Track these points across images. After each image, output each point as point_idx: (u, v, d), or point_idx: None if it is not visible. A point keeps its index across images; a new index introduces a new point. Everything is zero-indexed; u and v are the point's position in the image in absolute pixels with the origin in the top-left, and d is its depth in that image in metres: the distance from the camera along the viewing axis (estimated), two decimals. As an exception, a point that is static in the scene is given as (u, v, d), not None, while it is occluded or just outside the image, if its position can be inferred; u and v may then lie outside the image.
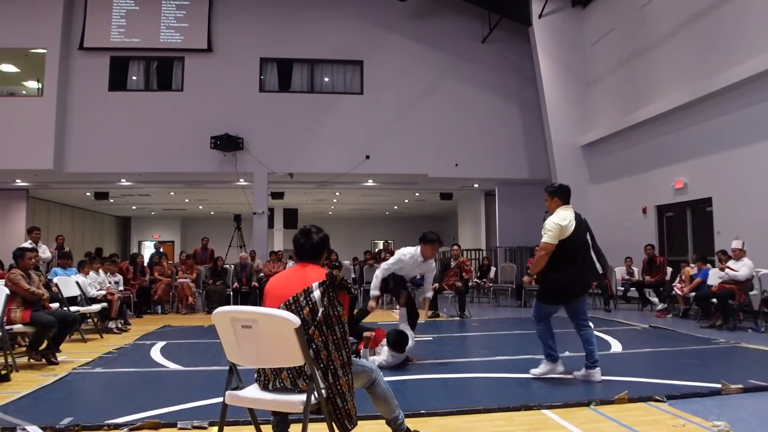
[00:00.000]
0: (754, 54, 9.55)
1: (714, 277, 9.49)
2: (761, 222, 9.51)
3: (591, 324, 5.45)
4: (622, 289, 12.07)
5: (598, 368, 5.20)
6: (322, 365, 2.87)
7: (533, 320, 5.52)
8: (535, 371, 5.38)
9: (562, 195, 5.54)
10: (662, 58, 12.27)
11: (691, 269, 10.33)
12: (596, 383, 5.10)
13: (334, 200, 23.58)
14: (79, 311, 8.09)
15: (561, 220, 5.25)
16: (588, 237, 5.42)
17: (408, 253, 6.31)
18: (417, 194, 21.21)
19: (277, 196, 18.07)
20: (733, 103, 10.24)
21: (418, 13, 15.93)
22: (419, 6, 15.87)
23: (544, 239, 5.20)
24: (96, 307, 8.70)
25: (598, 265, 5.53)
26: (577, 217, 5.39)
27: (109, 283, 9.99)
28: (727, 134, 10.43)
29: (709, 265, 10.10)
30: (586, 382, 5.17)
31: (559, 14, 15.16)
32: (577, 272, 5.24)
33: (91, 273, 9.54)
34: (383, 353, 5.95)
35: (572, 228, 5.24)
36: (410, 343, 6.08)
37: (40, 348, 6.38)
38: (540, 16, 14.86)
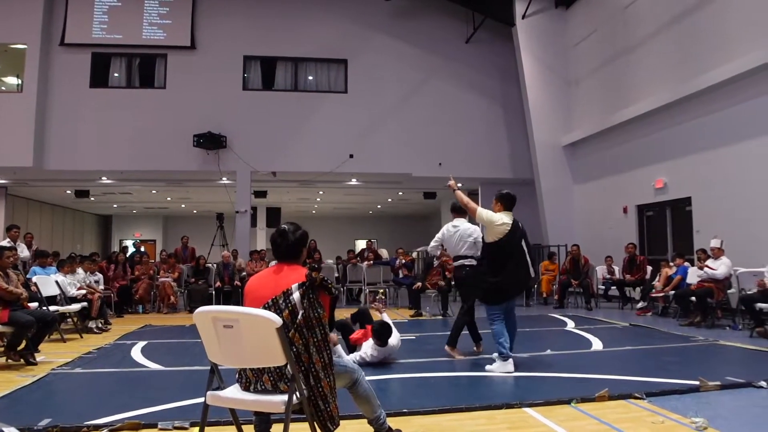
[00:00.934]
0: (733, 57, 9.68)
1: (693, 275, 9.62)
2: (739, 221, 9.65)
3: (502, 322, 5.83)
4: (603, 287, 12.18)
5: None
6: (303, 368, 2.85)
7: (489, 321, 5.84)
8: (489, 367, 5.69)
9: (505, 201, 5.90)
10: (643, 60, 12.39)
11: (670, 270, 10.45)
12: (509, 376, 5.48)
13: (318, 199, 23.53)
14: (58, 311, 8.00)
15: (495, 218, 5.72)
16: (523, 243, 5.77)
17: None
18: (400, 193, 21.23)
19: (260, 194, 18.00)
20: (713, 104, 10.37)
21: (402, 12, 15.94)
22: (403, 5, 15.89)
23: (479, 209, 5.82)
24: (75, 306, 8.61)
25: (532, 270, 5.83)
26: (515, 223, 5.77)
27: (89, 282, 9.87)
28: (707, 135, 10.57)
29: (687, 263, 10.24)
30: (566, 381, 5.23)
31: (542, 15, 15.26)
32: (512, 274, 5.71)
33: (71, 273, 9.43)
34: (366, 347, 5.97)
35: (507, 230, 5.67)
36: (395, 341, 6.09)
37: (19, 348, 6.28)
38: (523, 17, 14.95)
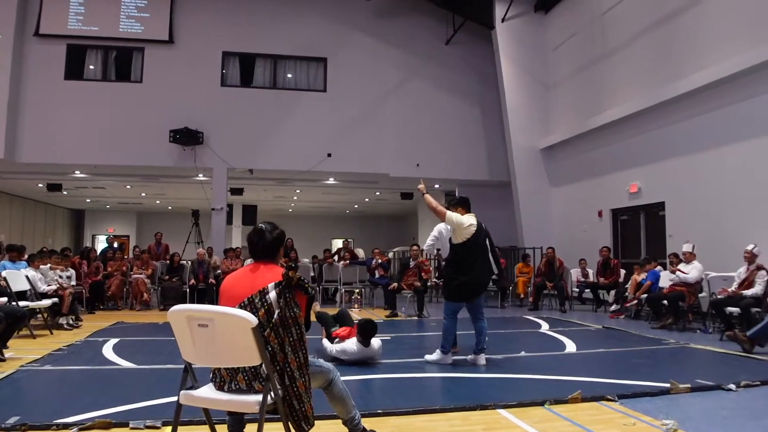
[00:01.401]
0: (706, 64, 9.86)
1: (665, 279, 9.78)
2: (711, 226, 9.82)
3: (485, 318, 6.24)
4: (577, 290, 12.31)
5: (482, 354, 6.07)
6: (278, 367, 2.83)
7: (443, 317, 6.19)
8: (428, 357, 6.15)
9: (464, 204, 6.29)
10: (620, 65, 12.55)
11: (638, 276, 10.62)
12: (482, 366, 5.94)
13: (295, 198, 23.43)
14: (28, 306, 7.85)
15: (462, 220, 6.00)
16: (487, 242, 6.14)
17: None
18: (378, 193, 21.24)
19: (237, 192, 17.87)
20: (687, 111, 10.54)
21: (383, 12, 15.94)
22: (384, 5, 15.89)
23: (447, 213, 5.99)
24: (46, 302, 8.45)
25: (494, 267, 6.22)
26: (479, 224, 6.10)
27: (61, 277, 9.70)
28: (681, 141, 10.74)
29: (659, 267, 10.40)
30: (540, 383, 5.27)
31: (521, 19, 15.37)
32: (476, 274, 6.02)
33: (42, 267, 9.26)
34: (349, 343, 6.01)
35: (473, 231, 5.99)
36: (377, 346, 6.10)
37: (-13, 344, 6.16)
38: (503, 20, 15.04)
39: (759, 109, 9.01)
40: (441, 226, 6.84)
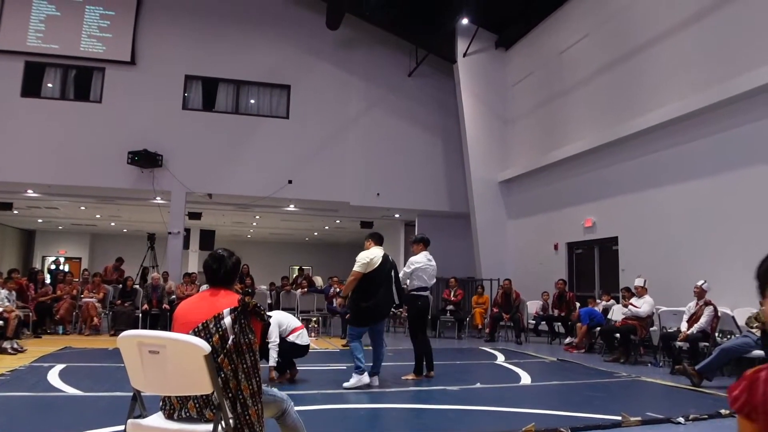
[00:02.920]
0: (660, 104, 10.24)
1: (618, 312, 9.98)
2: (662, 261, 10.09)
3: (385, 343, 6.83)
4: (534, 322, 12.43)
5: (376, 377, 6.53)
6: (230, 394, 2.78)
7: (349, 339, 6.73)
8: (346, 384, 6.31)
9: (375, 239, 6.92)
10: (576, 103, 12.93)
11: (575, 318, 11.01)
12: (375, 387, 6.34)
13: (254, 223, 23.22)
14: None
15: (370, 255, 6.63)
16: (393, 273, 6.72)
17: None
18: (338, 221, 21.21)
19: (195, 216, 17.61)
20: (640, 148, 10.89)
21: (347, 42, 16.12)
22: (349, 36, 16.06)
23: (355, 268, 6.54)
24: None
25: (396, 296, 6.74)
26: (385, 256, 6.71)
27: (8, 300, 9.36)
28: (633, 178, 11.07)
29: (611, 300, 10.65)
30: (495, 415, 5.30)
31: (482, 54, 15.74)
32: (379, 301, 6.54)
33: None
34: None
35: (378, 263, 6.57)
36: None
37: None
38: (464, 55, 15.38)
39: (710, 148, 9.37)
40: (419, 259, 7.34)
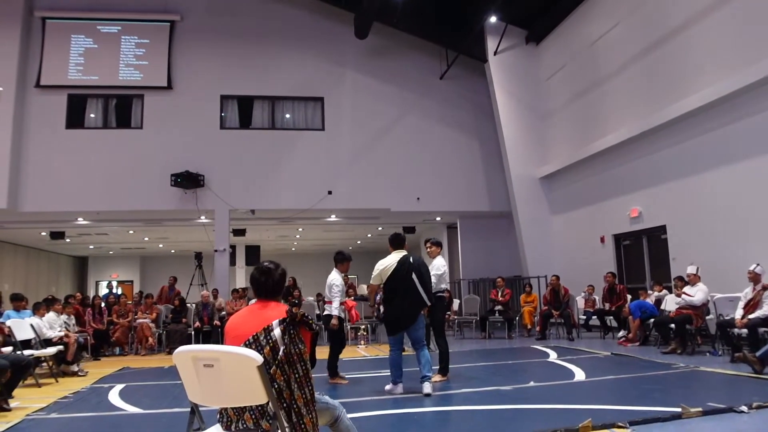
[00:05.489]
0: (698, 88, 9.98)
1: (671, 302, 9.72)
2: (714, 247, 9.82)
3: (426, 346, 6.54)
4: (584, 317, 12.22)
5: (426, 383, 6.22)
6: (285, 405, 2.82)
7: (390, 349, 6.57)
8: (387, 387, 6.41)
9: (392, 243, 6.76)
10: (613, 92, 12.70)
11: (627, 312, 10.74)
12: (426, 395, 6.12)
13: (297, 236, 23.45)
14: (33, 355, 7.82)
15: (380, 265, 6.50)
16: (414, 276, 6.39)
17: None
18: (380, 228, 21.26)
19: (239, 233, 17.92)
20: (680, 134, 10.64)
21: (376, 50, 16.20)
22: (378, 44, 16.14)
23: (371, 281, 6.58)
24: (51, 350, 8.42)
25: (425, 299, 6.45)
26: (402, 260, 6.45)
27: (67, 325, 9.67)
28: (677, 164, 10.81)
29: (664, 291, 10.38)
30: (550, 412, 5.24)
31: (513, 51, 15.62)
32: (397, 308, 6.39)
33: (48, 314, 9.24)
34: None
35: (390, 271, 6.40)
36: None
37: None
38: (495, 53, 15.28)
39: (754, 129, 9.09)
40: (439, 264, 7.33)
